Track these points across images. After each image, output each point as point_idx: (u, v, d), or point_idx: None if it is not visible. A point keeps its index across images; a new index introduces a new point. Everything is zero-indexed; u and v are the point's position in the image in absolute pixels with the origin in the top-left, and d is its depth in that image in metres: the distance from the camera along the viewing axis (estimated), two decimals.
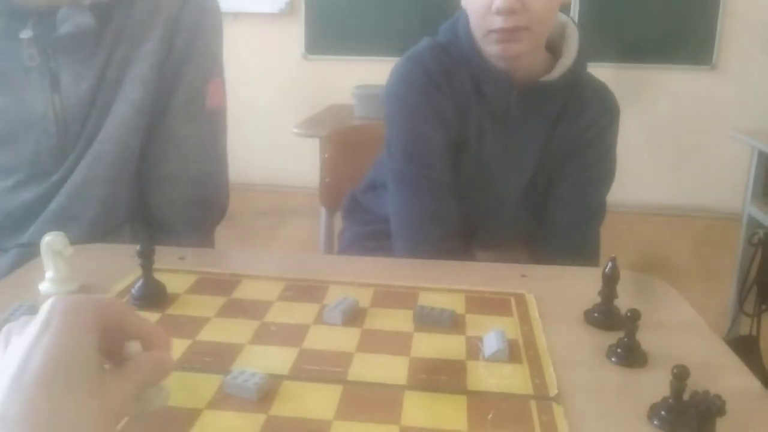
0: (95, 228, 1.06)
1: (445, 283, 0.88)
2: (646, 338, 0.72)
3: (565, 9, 4.46)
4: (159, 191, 1.12)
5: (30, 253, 0.92)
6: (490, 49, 1.12)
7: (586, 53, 1.19)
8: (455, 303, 0.82)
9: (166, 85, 1.09)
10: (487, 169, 1.18)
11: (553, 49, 1.19)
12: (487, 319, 0.79)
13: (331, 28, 4.34)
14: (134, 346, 0.55)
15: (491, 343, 0.71)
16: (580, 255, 1.17)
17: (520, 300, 0.85)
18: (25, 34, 1.01)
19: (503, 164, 1.18)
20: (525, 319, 0.80)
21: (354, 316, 0.78)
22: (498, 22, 1.07)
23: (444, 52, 1.18)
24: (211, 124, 1.15)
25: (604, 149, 1.22)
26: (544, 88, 1.15)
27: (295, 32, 4.45)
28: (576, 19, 4.16)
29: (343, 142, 1.67)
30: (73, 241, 0.84)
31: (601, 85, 1.25)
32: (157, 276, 0.82)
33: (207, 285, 0.87)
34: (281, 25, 4.46)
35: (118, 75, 1.05)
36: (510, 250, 1.20)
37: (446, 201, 1.16)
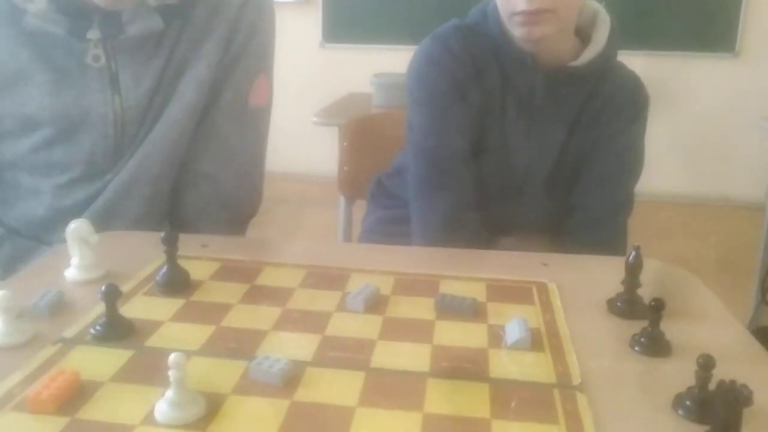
0: (138, 226, 1.07)
1: (466, 272, 0.88)
2: (670, 328, 0.71)
3: None
4: (196, 189, 1.12)
5: None
6: (515, 31, 1.12)
7: (618, 41, 1.18)
8: (477, 291, 0.82)
9: (217, 83, 1.09)
10: (509, 151, 1.18)
11: (584, 36, 1.19)
12: (508, 307, 0.79)
13: (349, 16, 4.32)
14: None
15: (513, 331, 0.71)
16: (608, 248, 1.15)
17: (542, 289, 0.84)
18: (93, 34, 1.01)
19: (526, 147, 1.18)
20: (547, 307, 0.79)
21: (376, 304, 0.79)
22: (522, 4, 1.06)
23: (470, 32, 1.18)
24: (253, 123, 1.15)
25: (632, 139, 1.21)
26: (572, 73, 1.15)
27: (313, 21, 4.44)
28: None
29: (361, 130, 1.66)
30: None
31: (632, 74, 1.24)
32: (181, 263, 0.83)
33: (230, 272, 0.88)
34: (299, 13, 4.45)
35: (176, 76, 1.06)
36: (534, 238, 1.19)
37: (462, 173, 1.16)
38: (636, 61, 4.21)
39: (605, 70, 1.18)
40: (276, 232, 3.45)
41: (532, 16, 1.07)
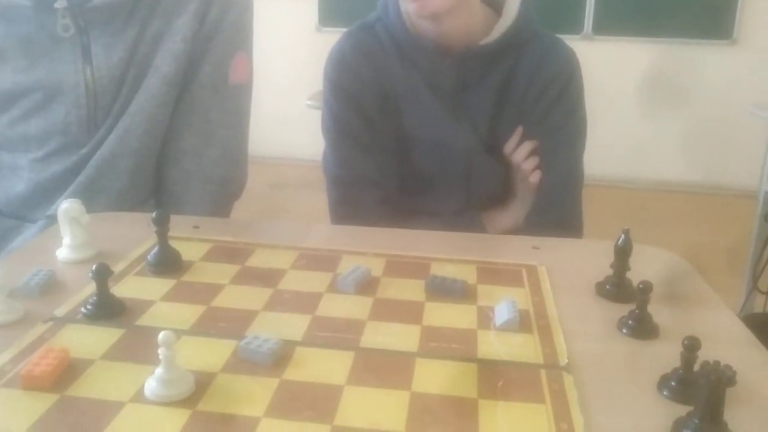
0: (122, 201, 1.08)
1: (457, 254, 0.89)
2: (657, 311, 0.72)
3: None
4: (179, 165, 1.13)
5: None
6: (409, 8, 1.06)
7: (532, 11, 1.12)
8: (467, 274, 0.83)
9: (195, 58, 1.09)
10: (441, 137, 1.14)
11: (498, 9, 1.13)
12: (498, 289, 0.80)
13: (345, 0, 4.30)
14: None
15: (502, 312, 0.71)
16: (560, 225, 1.12)
17: (532, 271, 0.85)
18: (60, 4, 1.02)
19: (457, 130, 1.13)
20: (536, 290, 0.80)
21: (367, 285, 0.79)
22: None
23: (368, 32, 1.15)
24: (234, 99, 1.15)
25: (570, 107, 1.14)
26: (484, 51, 1.10)
27: (309, 4, 4.42)
28: None
29: None
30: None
31: (555, 40, 1.16)
32: (172, 244, 0.83)
33: (221, 253, 0.88)
34: None
35: (151, 49, 1.06)
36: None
37: (369, 196, 1.14)
38: (634, 48, 4.22)
39: (523, 42, 1.12)
40: (269, 215, 3.45)
41: None
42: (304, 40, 4.43)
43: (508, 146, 1.14)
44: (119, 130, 1.06)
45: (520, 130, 1.14)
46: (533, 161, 1.13)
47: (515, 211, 1.16)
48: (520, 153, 1.13)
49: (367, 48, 1.14)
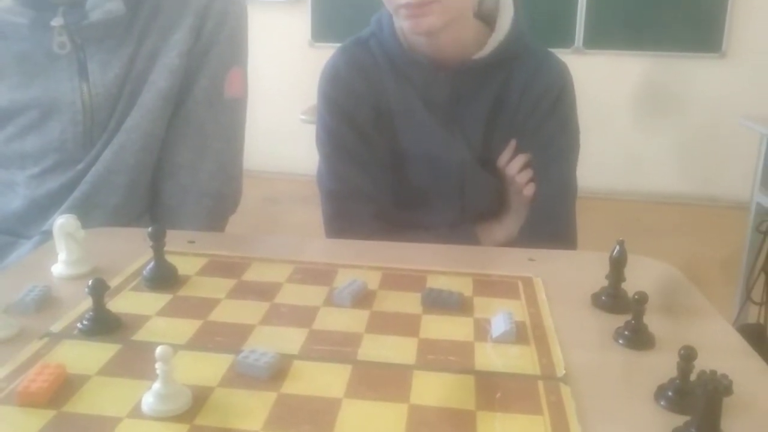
0: (118, 216, 1.07)
1: (453, 267, 0.89)
2: (653, 321, 0.72)
3: None
4: (174, 180, 1.13)
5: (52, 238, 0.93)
6: (403, 25, 1.07)
7: (524, 26, 1.13)
8: (463, 286, 0.83)
9: (191, 72, 1.10)
10: (435, 151, 1.14)
11: (491, 24, 1.14)
12: (494, 301, 0.80)
13: (338, 15, 4.33)
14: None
15: (499, 324, 0.72)
16: (554, 237, 1.12)
17: (528, 283, 0.85)
18: (57, 21, 1.02)
19: (441, 143, 1.14)
20: (532, 301, 0.80)
21: (363, 298, 0.79)
22: None
23: (362, 47, 1.16)
24: (229, 114, 1.16)
25: (562, 120, 1.15)
26: (477, 65, 1.11)
27: (302, 20, 4.45)
28: (584, 6, 4.16)
29: None
30: None
31: (547, 54, 1.18)
32: (168, 258, 0.83)
33: (217, 267, 0.88)
34: (288, 13, 4.46)
35: (147, 65, 1.07)
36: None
37: (364, 210, 1.14)
38: (624, 61, 4.24)
39: (516, 55, 1.13)
40: (264, 229, 3.45)
41: (417, 8, 1.02)
42: (298, 54, 4.45)
43: (502, 159, 1.15)
44: (115, 145, 1.07)
45: (513, 143, 1.15)
46: (527, 174, 1.14)
47: (509, 224, 1.17)
48: (514, 166, 1.14)
49: (361, 63, 1.15)
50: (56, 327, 0.71)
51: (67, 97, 1.05)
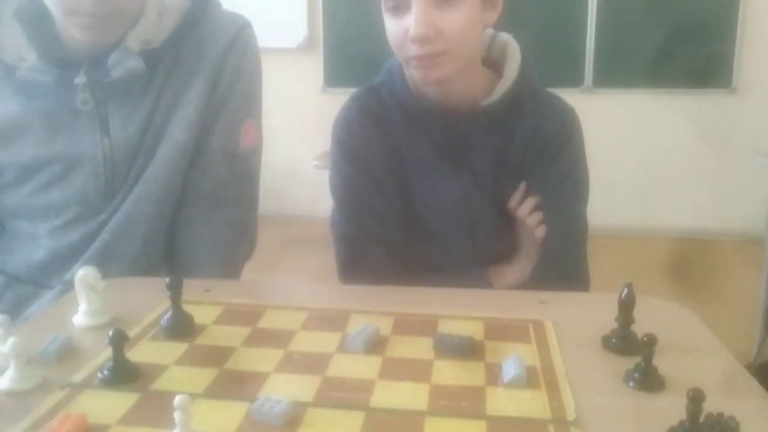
0: (136, 266, 1.10)
1: (464, 311, 0.90)
2: (663, 363, 0.73)
3: (580, 31, 4.42)
4: (191, 229, 1.16)
5: (73, 288, 0.95)
6: (414, 74, 1.11)
7: (531, 72, 1.16)
8: (474, 330, 0.84)
9: (207, 125, 1.14)
10: (445, 197, 1.17)
11: (498, 70, 1.18)
12: (505, 345, 0.81)
13: (350, 60, 4.41)
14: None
15: (510, 368, 0.73)
16: (567, 278, 1.13)
17: (539, 326, 0.86)
18: (80, 79, 1.07)
19: (452, 188, 1.17)
20: (543, 345, 0.81)
21: (375, 344, 0.80)
22: (414, 49, 1.05)
23: (373, 95, 1.19)
24: (243, 164, 1.19)
25: (571, 162, 1.18)
26: (486, 111, 1.14)
27: (314, 66, 4.54)
28: (592, 43, 4.21)
29: None
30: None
31: (554, 98, 1.21)
32: (185, 307, 0.85)
33: (233, 315, 0.90)
34: (300, 59, 4.56)
35: (165, 119, 1.11)
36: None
37: (376, 254, 1.16)
38: (634, 100, 4.27)
39: (524, 100, 1.16)
40: (277, 274, 3.47)
41: (427, 60, 1.06)
42: (311, 100, 4.53)
43: (513, 201, 1.17)
44: (134, 196, 1.10)
45: (523, 185, 1.17)
46: (538, 216, 1.16)
47: (521, 266, 1.18)
48: (525, 208, 1.16)
49: (373, 110, 1.18)
50: (77, 377, 0.73)
51: (89, 151, 1.09)
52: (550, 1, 4.23)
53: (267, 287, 1.12)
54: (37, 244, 1.12)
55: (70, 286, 1.01)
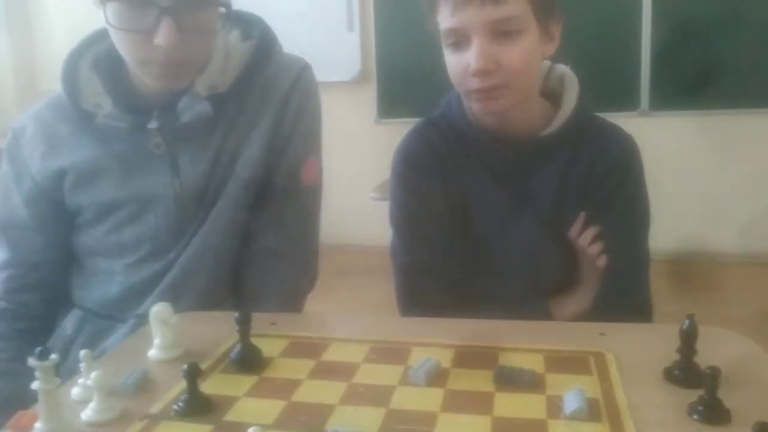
0: (204, 300, 1.15)
1: (524, 343, 0.91)
2: (728, 395, 0.72)
3: (634, 51, 4.33)
4: (255, 264, 1.20)
5: (146, 323, 1.00)
6: (474, 107, 1.14)
7: (589, 102, 1.18)
8: (535, 363, 0.85)
9: (271, 164, 1.19)
10: (503, 229, 1.18)
11: (556, 100, 1.20)
12: (566, 378, 0.81)
13: (403, 92, 4.47)
14: None
15: (571, 401, 0.73)
16: (629, 308, 1.12)
17: (600, 358, 0.86)
18: (152, 125, 1.14)
19: (511, 218, 1.18)
20: (605, 377, 0.81)
21: (437, 377, 0.82)
22: (475, 83, 1.08)
23: (433, 128, 1.22)
24: (305, 200, 1.24)
25: (631, 192, 1.18)
26: (545, 141, 1.15)
27: (368, 98, 4.62)
28: (648, 64, 4.13)
29: None
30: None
31: (614, 127, 1.22)
32: (253, 341, 0.89)
33: (298, 349, 0.93)
34: (354, 91, 4.64)
35: (231, 159, 1.16)
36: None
37: (434, 287, 1.18)
38: (692, 122, 4.16)
39: (583, 130, 1.17)
40: (338, 304, 3.50)
41: (487, 93, 1.08)
42: (365, 131, 4.60)
43: (573, 231, 1.18)
44: (202, 233, 1.15)
45: (583, 215, 1.17)
46: (599, 245, 1.16)
47: (582, 297, 1.18)
48: (586, 237, 1.17)
49: (432, 142, 1.22)
50: (155, 408, 0.77)
51: (161, 191, 1.15)
52: (602, 21, 4.18)
53: (330, 320, 1.15)
54: (112, 280, 1.18)
55: (143, 319, 1.07)
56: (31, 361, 0.70)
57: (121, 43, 1.08)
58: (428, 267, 1.19)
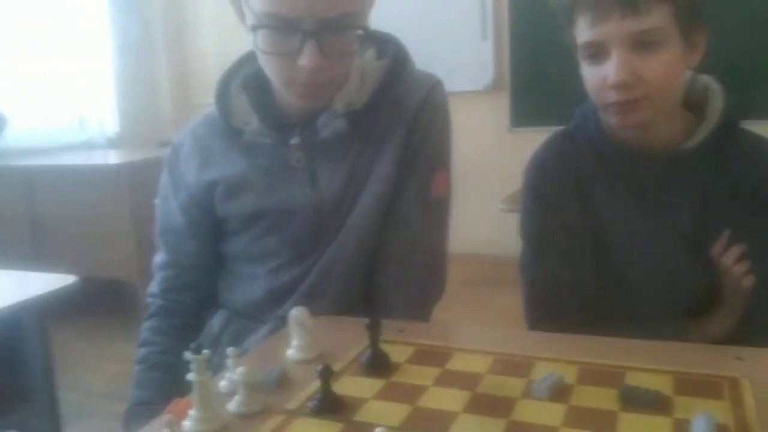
0: (338, 304, 1.23)
1: (653, 364, 0.89)
2: None
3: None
4: (386, 273, 1.26)
5: (285, 324, 1.08)
6: (611, 120, 1.11)
7: (735, 114, 1.12)
8: (663, 383, 0.83)
9: (402, 177, 1.24)
10: (633, 239, 1.15)
11: (698, 111, 1.15)
12: (696, 401, 0.79)
13: (537, 100, 4.41)
14: None
15: (700, 426, 0.71)
16: None
17: (734, 384, 0.83)
18: (294, 140, 1.23)
19: (649, 233, 1.14)
20: (738, 403, 0.78)
21: (560, 392, 0.83)
22: (613, 95, 1.05)
23: (568, 140, 1.20)
24: (435, 212, 1.28)
25: None
26: (687, 155, 1.11)
27: (501, 107, 4.60)
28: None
29: None
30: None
31: (763, 140, 1.16)
32: (382, 346, 0.94)
33: (424, 356, 0.97)
34: (487, 100, 4.64)
35: (365, 172, 1.23)
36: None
37: (565, 303, 1.16)
38: None
39: (727, 145, 1.11)
40: (463, 312, 3.51)
41: (626, 106, 1.06)
42: (497, 140, 4.58)
43: (716, 249, 1.13)
44: (338, 242, 1.23)
45: (726, 233, 1.12)
46: (744, 265, 1.11)
47: (724, 319, 1.13)
48: (730, 256, 1.11)
49: (567, 154, 1.21)
50: (291, 405, 0.84)
51: (301, 202, 1.23)
52: (745, 23, 3.91)
53: (455, 330, 1.18)
54: (256, 284, 1.28)
55: (281, 321, 1.15)
56: (187, 355, 0.79)
57: (268, 66, 1.17)
58: (558, 281, 1.19)
